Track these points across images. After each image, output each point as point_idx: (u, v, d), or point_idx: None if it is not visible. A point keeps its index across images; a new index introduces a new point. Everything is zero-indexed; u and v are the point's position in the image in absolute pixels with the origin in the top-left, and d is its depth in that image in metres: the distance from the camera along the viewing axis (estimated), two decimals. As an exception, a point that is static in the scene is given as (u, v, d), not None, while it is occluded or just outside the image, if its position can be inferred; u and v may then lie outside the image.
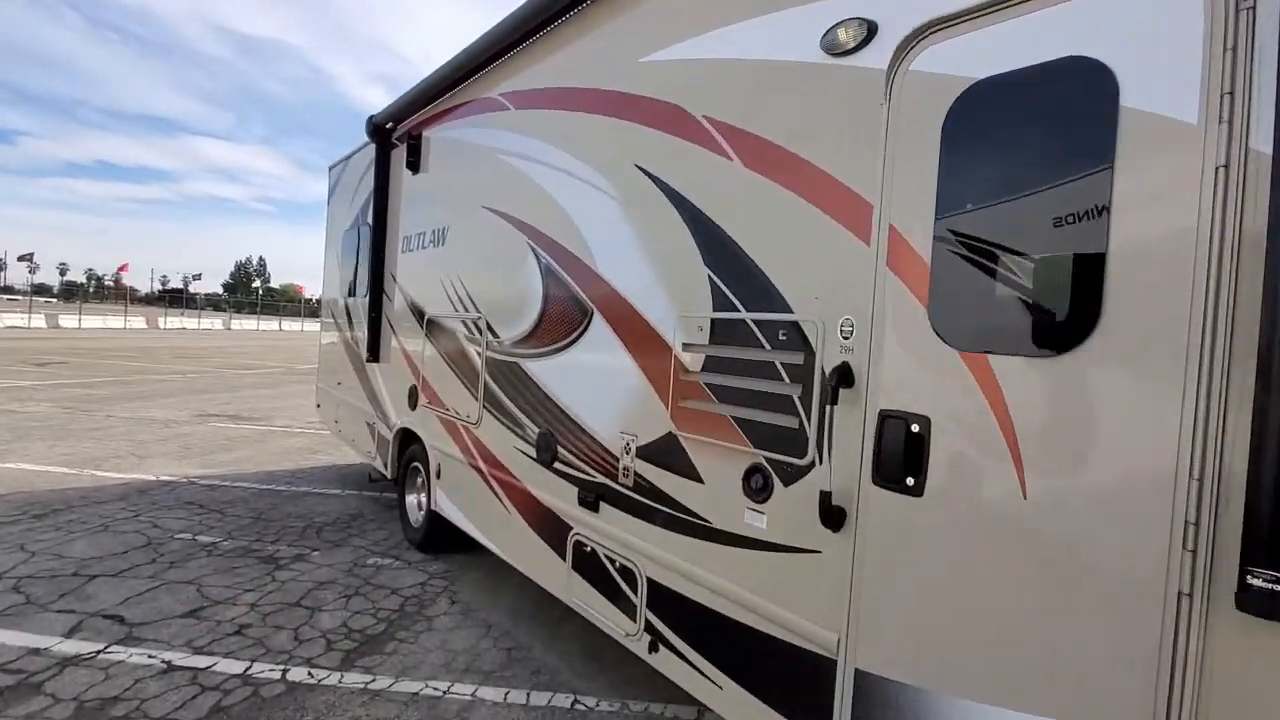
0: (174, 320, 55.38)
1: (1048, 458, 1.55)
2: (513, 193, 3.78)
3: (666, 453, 2.65)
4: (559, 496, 3.26)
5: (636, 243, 2.84)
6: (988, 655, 1.65)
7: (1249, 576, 1.25)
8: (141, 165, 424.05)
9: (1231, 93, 1.30)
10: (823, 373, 2.06)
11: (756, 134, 2.33)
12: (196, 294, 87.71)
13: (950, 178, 1.74)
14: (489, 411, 3.89)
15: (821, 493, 1.99)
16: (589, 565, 3.05)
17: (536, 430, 3.44)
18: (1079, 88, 1.52)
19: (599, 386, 3.04)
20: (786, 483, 2.17)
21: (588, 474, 3.08)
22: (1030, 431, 1.57)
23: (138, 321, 49.66)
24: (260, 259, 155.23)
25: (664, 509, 2.65)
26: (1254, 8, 1.28)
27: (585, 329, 3.12)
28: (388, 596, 4.18)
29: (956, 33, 1.76)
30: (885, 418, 1.86)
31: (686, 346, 2.56)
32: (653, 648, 2.67)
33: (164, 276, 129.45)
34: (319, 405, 7.59)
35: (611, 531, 2.91)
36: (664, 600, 2.64)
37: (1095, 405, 1.49)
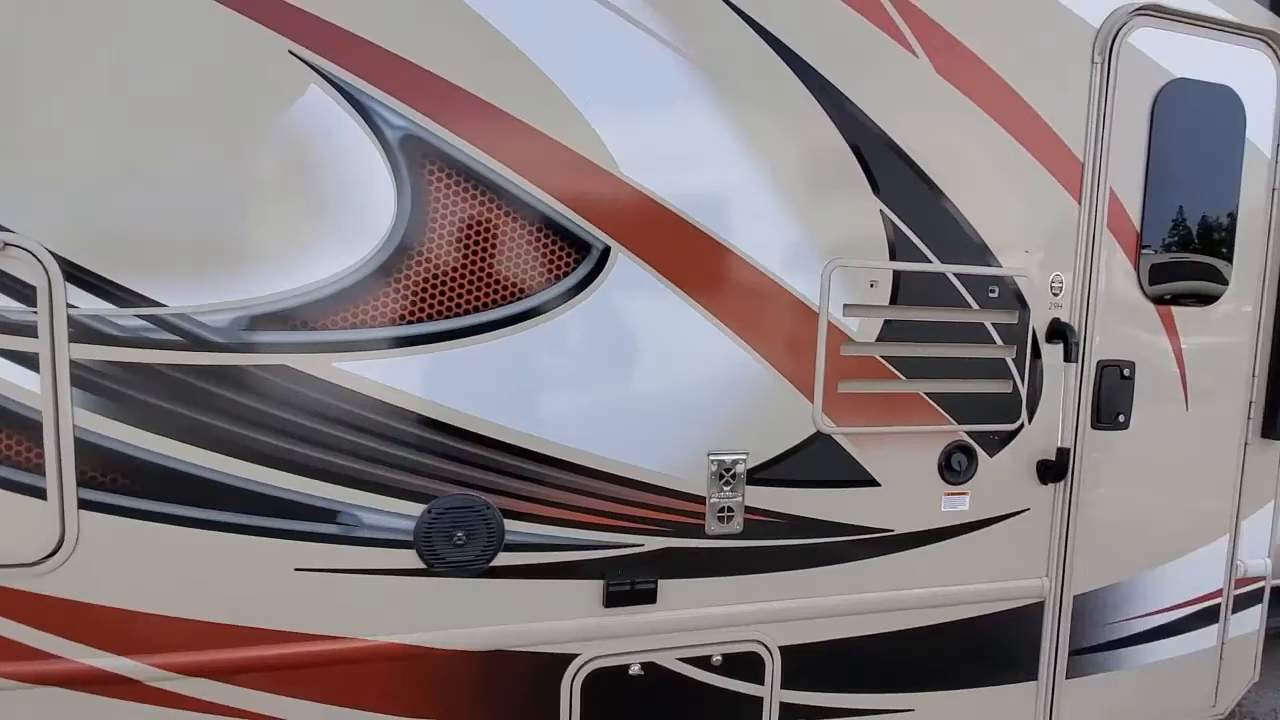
0: None
1: (1198, 381, 2.18)
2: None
3: (813, 464, 1.83)
4: (535, 615, 1.64)
5: (726, 133, 1.67)
6: (1153, 535, 2.22)
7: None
8: None
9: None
10: (1033, 331, 1.99)
11: (962, 40, 1.82)
12: None
13: (1157, 156, 2.02)
14: (105, 510, 1.37)
15: (1053, 452, 2.00)
16: (641, 693, 1.75)
17: (416, 509, 1.53)
18: (1230, 114, 2.09)
19: (633, 387, 1.68)
20: (993, 453, 2.00)
21: (616, 544, 1.70)
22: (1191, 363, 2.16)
23: None
24: None
25: (808, 542, 1.86)
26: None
27: (597, 277, 1.60)
28: None
29: (1163, 26, 2.00)
30: (1104, 367, 2.05)
31: (852, 309, 1.81)
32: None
33: None
34: None
35: (703, 615, 1.77)
36: (811, 664, 1.90)
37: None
